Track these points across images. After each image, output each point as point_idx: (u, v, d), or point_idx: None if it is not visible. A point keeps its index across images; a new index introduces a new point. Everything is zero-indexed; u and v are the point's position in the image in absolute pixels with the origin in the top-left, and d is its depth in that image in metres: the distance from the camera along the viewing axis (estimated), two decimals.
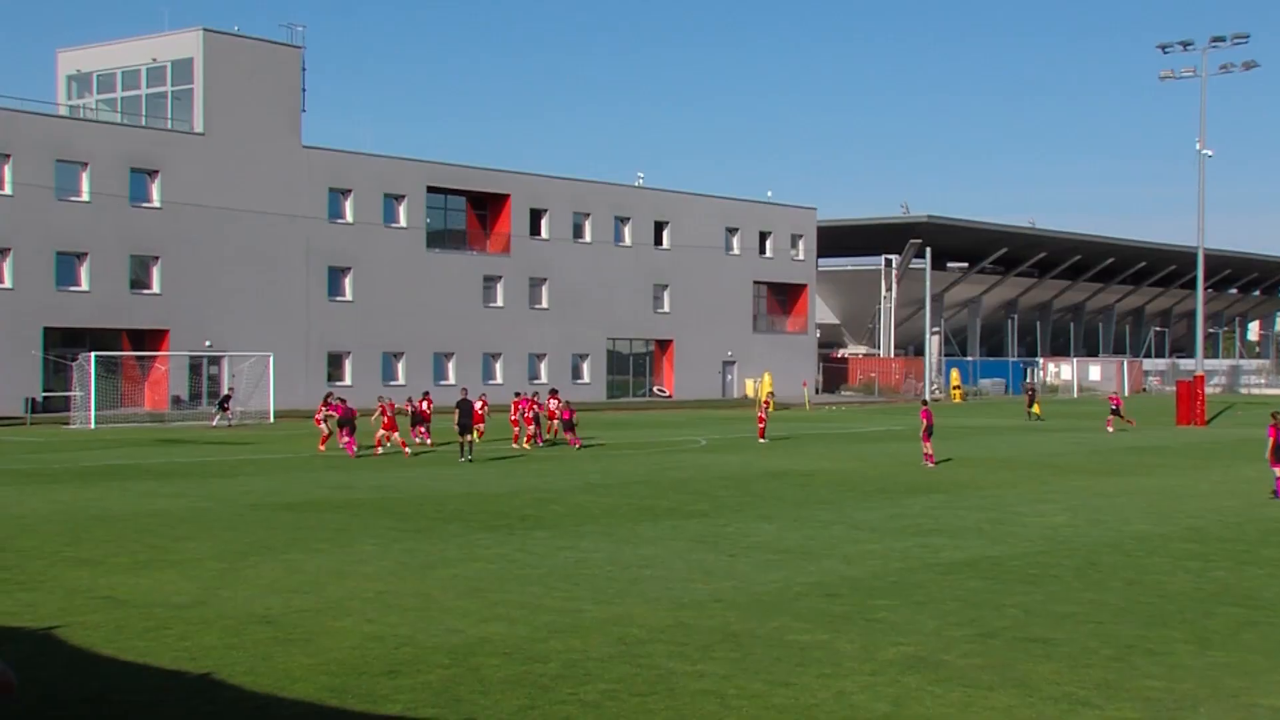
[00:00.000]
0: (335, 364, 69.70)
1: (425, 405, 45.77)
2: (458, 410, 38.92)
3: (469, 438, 38.61)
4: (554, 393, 48.28)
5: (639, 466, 36.46)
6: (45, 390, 58.88)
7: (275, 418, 58.71)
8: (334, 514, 24.79)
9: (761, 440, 46.71)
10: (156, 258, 62.99)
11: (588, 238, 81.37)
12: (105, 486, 29.71)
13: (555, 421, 46.18)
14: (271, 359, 58.14)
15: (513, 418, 45.21)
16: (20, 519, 23.64)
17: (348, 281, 70.17)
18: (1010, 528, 23.57)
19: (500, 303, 77.04)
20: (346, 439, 39.31)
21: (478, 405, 42.90)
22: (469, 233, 77.34)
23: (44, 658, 12.96)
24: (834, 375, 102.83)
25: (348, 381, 68.04)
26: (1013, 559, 19.75)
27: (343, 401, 42.12)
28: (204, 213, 64.23)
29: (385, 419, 40.82)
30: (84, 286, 60.73)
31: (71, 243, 60.27)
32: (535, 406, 45.22)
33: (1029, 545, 21.31)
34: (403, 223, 72.51)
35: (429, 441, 44.48)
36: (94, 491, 28.57)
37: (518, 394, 46.98)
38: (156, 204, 63.01)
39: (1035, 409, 66.85)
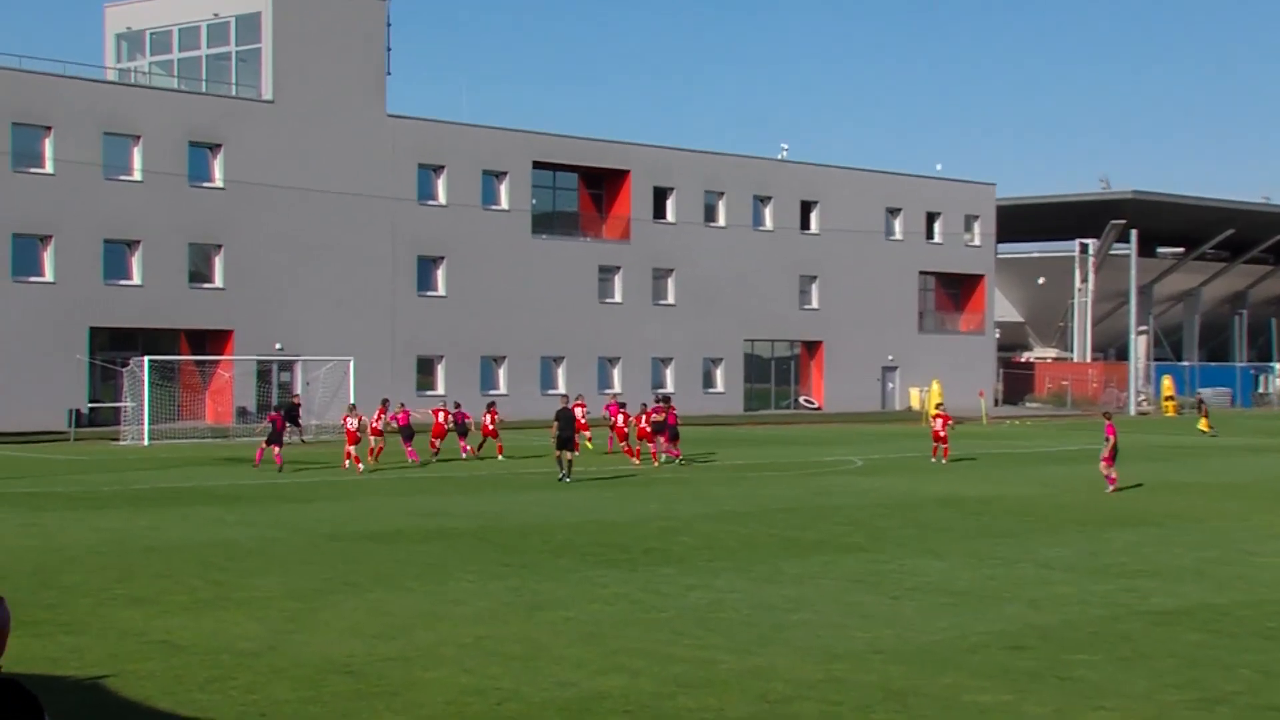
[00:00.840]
0: (425, 369, 70.70)
1: (489, 419, 48.72)
2: (557, 422, 39.41)
3: (569, 454, 39.09)
4: (665, 400, 48.49)
5: (782, 491, 36.40)
6: (91, 400, 60.30)
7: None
8: (425, 545, 25.06)
9: (939, 460, 46.35)
10: (219, 246, 64.36)
11: (721, 221, 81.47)
12: (161, 513, 30.26)
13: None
14: (352, 364, 58.83)
15: (619, 426, 47.90)
16: (64, 551, 24.09)
17: (440, 274, 71.11)
18: (1238, 569, 23.11)
19: (618, 297, 77.56)
20: (407, 449, 43.95)
21: (579, 414, 44.87)
22: (582, 216, 77.92)
23: (91, 711, 13.24)
24: (1017, 383, 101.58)
25: (440, 390, 68.87)
26: (1242, 608, 19.34)
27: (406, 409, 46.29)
28: (274, 194, 65.45)
29: (435, 425, 45.38)
30: (135, 280, 62.27)
31: (121, 229, 61.77)
32: (624, 415, 48.08)
33: (1264, 592, 20.86)
34: (504, 204, 73.26)
35: (468, 454, 47.84)
36: (148, 519, 29.13)
37: (617, 399, 48.77)
38: (219, 183, 64.37)
39: (1203, 424, 66.86)
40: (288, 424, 46.16)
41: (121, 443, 54.46)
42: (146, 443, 53.92)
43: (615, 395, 51.52)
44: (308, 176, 66.42)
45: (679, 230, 79.55)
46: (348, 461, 43.04)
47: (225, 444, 54.60)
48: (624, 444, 47.44)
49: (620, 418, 48.83)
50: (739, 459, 48.35)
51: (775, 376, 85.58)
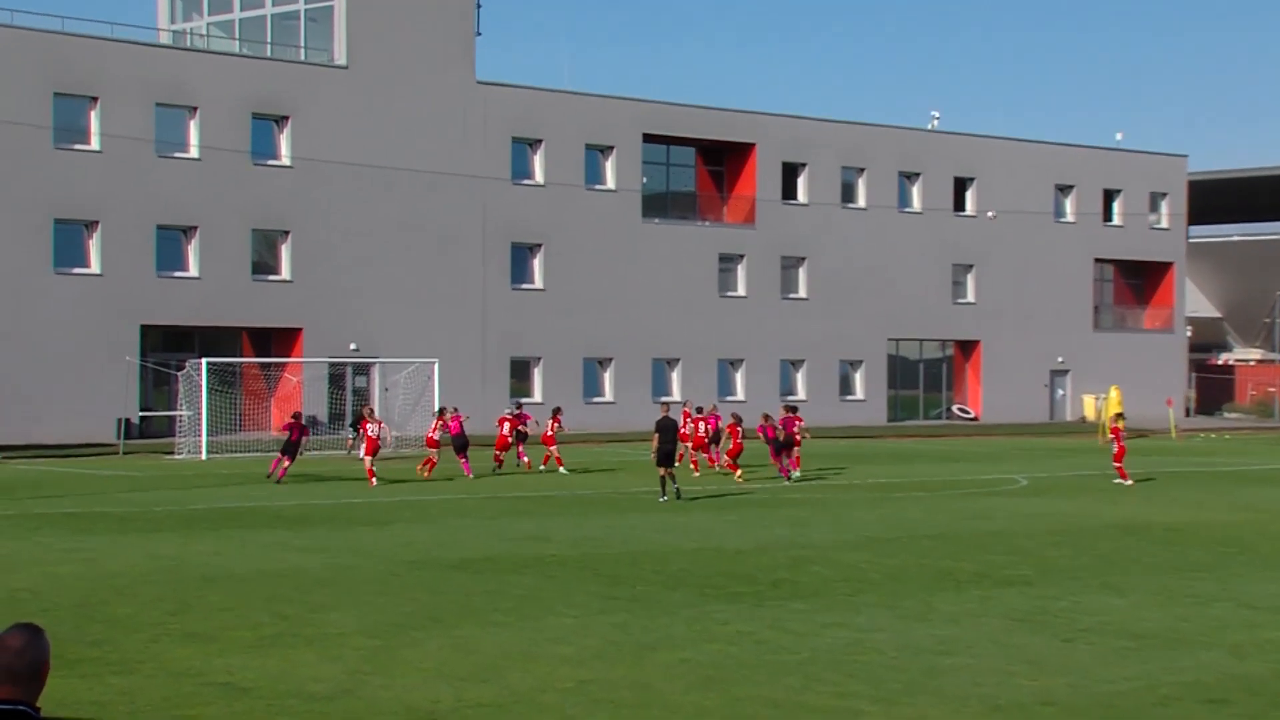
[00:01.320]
0: (520, 373, 71.26)
1: (553, 425, 49.69)
2: (657, 435, 39.60)
3: (671, 469, 39.33)
4: (792, 410, 48.72)
5: (934, 515, 36.22)
6: (143, 409, 61.27)
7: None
8: (520, 574, 25.14)
9: (1123, 481, 45.77)
10: (286, 233, 65.17)
11: (861, 202, 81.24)
12: (221, 537, 30.56)
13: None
14: (436, 367, 59.19)
15: (698, 436, 48.17)
16: (113, 579, 24.28)
17: (537, 263, 71.64)
18: None
19: (741, 290, 77.66)
20: (462, 461, 46.54)
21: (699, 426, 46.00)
22: (700, 197, 78.15)
23: None
24: (1213, 390, 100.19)
25: (537, 397, 69.30)
26: None
27: (458, 415, 48.39)
28: (348, 172, 65.94)
29: (500, 436, 48.19)
30: (192, 271, 63.15)
31: (176, 213, 62.59)
32: (711, 422, 48.20)
33: None
34: (610, 184, 73.65)
35: (525, 462, 49.62)
36: (206, 543, 29.40)
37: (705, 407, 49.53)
38: (286, 161, 65.13)
39: None
40: (306, 436, 47.27)
41: (176, 456, 55.13)
42: (204, 456, 54.61)
43: (709, 405, 51.29)
44: (386, 152, 66.90)
45: (812, 212, 79.42)
46: (375, 480, 43.83)
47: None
48: (726, 460, 47.13)
49: (700, 427, 48.19)
50: (881, 477, 48.14)
51: (924, 382, 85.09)
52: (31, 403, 58.65)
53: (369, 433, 44.94)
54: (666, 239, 75.15)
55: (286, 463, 44.68)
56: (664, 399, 56.68)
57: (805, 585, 24.28)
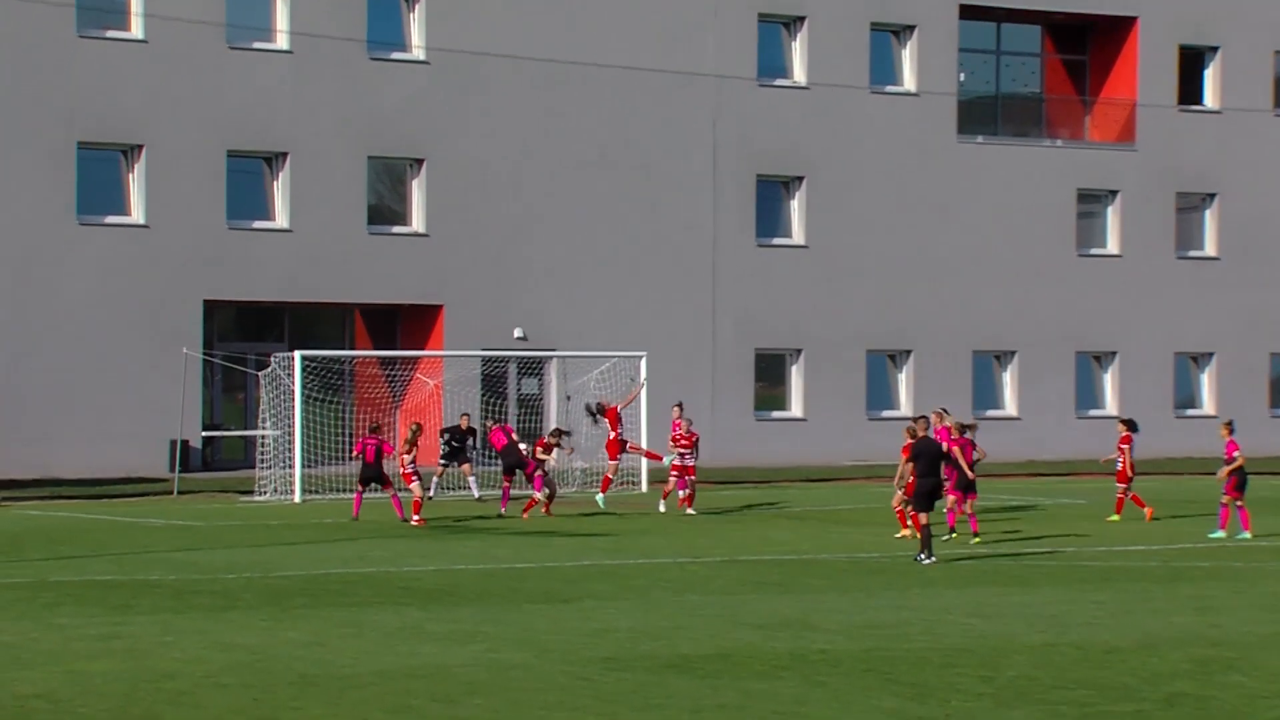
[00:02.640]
0: (770, 371, 71.94)
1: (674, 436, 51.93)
2: (914, 461, 40.01)
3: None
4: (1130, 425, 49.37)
5: None
6: (208, 426, 62.02)
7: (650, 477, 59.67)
8: (773, 681, 24.56)
9: None
10: (418, 161, 65.66)
11: None
12: (324, 619, 30.54)
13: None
14: (644, 364, 58.91)
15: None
16: (166, 682, 24.18)
17: (795, 207, 72.16)
18: None
19: (1111, 246, 78.18)
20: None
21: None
22: (1048, 102, 78.55)
23: None
24: None
25: (795, 409, 69.98)
26: None
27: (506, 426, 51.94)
28: (508, 71, 66.03)
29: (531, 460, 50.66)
30: (278, 221, 64.06)
31: (255, 133, 63.32)
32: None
33: None
34: (906, 83, 73.66)
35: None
36: (302, 629, 29.34)
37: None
38: (417, 53, 65.64)
39: None
40: (387, 454, 49.22)
41: (256, 498, 55.57)
42: (298, 498, 54.99)
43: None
44: (567, 41, 67.14)
45: (1224, 125, 78.94)
46: (416, 517, 47.37)
47: (428, 498, 54.16)
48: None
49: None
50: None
51: None
52: (47, 420, 59.71)
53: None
54: (995, 167, 74.99)
55: (360, 492, 47.17)
56: (939, 409, 54.00)
57: (1219, 705, 23.39)
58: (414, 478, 47.87)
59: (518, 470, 50.05)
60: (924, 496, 39.49)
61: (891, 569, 39.12)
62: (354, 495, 48.83)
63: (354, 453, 49.96)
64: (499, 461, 51.55)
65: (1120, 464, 48.95)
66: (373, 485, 48.30)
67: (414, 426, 49.66)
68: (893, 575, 38.08)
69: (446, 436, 56.40)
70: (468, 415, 55.34)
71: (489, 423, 51.62)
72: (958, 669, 25.77)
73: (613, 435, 51.95)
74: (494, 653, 26.90)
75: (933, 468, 39.93)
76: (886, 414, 71.21)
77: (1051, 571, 38.48)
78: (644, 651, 27.11)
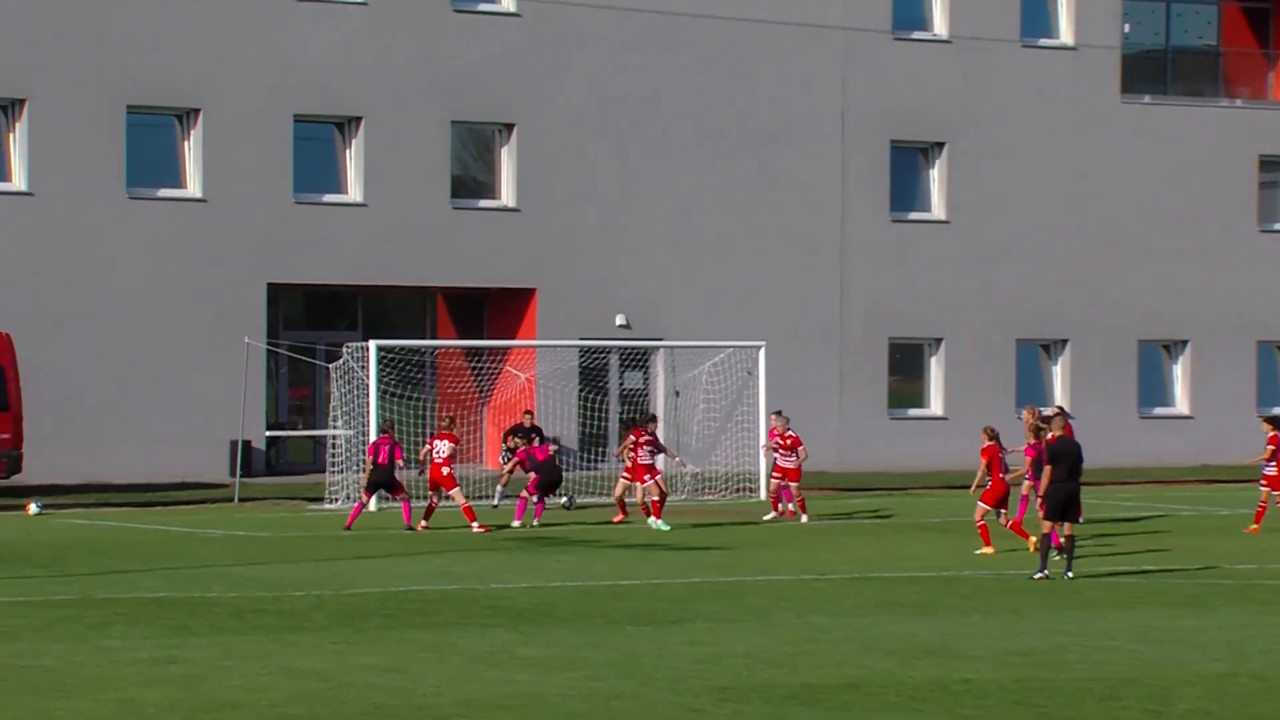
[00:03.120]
0: (906, 364, 72.16)
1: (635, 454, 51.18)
2: (1051, 466, 39.57)
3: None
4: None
5: None
6: (272, 425, 62.54)
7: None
8: (913, 713, 24.62)
9: None
10: (507, 128, 66.12)
11: None
12: (403, 641, 30.62)
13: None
14: (762, 355, 59.17)
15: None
16: (228, 713, 24.19)
17: (934, 176, 72.17)
18: None
19: None
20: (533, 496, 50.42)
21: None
22: (1225, 57, 78.19)
23: None
24: None
25: (935, 407, 70.27)
26: None
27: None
28: (607, 24, 66.39)
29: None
30: (352, 195, 64.56)
31: (329, 97, 63.74)
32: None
33: None
34: (1063, 37, 73.74)
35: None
36: (379, 653, 29.30)
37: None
38: (507, 4, 65.92)
39: None
40: (402, 457, 50.18)
41: (327, 505, 55.76)
42: (373, 505, 54.64)
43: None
44: None
45: None
46: (475, 524, 48.19)
47: (493, 505, 55.50)
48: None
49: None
50: None
51: None
52: (93, 418, 60.11)
53: (435, 453, 47.73)
54: (1165, 130, 74.84)
55: (364, 499, 47.84)
56: (1056, 407, 53.68)
57: None
58: (455, 483, 48.73)
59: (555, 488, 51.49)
60: (1059, 504, 38.80)
61: (1044, 588, 38.57)
62: (356, 503, 49.53)
63: (369, 451, 50.54)
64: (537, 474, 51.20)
65: (1275, 468, 48.61)
66: (381, 492, 49.15)
67: (447, 419, 50.95)
68: (1046, 595, 37.59)
69: (514, 443, 56.17)
70: (531, 413, 55.71)
71: (535, 439, 52.44)
72: (1122, 702, 25.44)
73: (632, 459, 50.97)
74: (594, 680, 26.68)
75: (1074, 471, 39.28)
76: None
77: (1228, 591, 38.05)
78: (763, 680, 26.80)
